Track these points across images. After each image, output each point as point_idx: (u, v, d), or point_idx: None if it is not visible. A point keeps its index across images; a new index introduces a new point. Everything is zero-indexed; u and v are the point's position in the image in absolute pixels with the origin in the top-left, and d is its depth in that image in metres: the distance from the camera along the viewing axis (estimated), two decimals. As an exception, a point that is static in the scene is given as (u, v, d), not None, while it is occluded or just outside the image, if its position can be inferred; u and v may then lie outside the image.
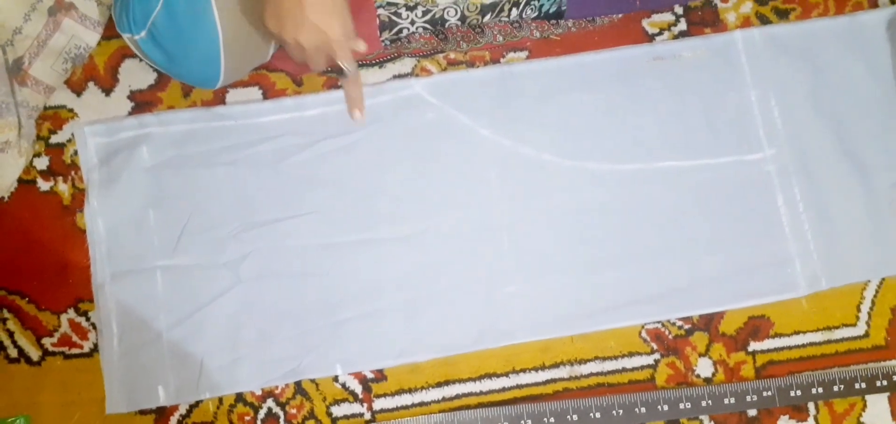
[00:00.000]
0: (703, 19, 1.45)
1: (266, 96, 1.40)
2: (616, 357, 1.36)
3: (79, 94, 1.39)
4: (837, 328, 1.38)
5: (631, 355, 1.36)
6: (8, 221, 1.36)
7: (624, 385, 1.36)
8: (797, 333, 1.37)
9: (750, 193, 1.40)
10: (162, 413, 1.33)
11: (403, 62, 1.42)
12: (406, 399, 1.35)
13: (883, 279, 1.39)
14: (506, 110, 1.40)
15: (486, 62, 1.43)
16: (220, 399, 1.33)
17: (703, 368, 1.36)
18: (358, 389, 1.34)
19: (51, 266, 1.35)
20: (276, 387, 1.34)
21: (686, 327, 1.37)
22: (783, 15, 1.46)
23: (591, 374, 1.36)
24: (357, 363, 1.34)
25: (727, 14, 1.46)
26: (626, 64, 1.43)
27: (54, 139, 1.38)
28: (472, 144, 1.39)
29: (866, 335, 1.38)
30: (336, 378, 1.34)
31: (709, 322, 1.37)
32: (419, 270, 1.36)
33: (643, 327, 1.37)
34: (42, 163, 1.38)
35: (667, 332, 1.37)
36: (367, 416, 1.34)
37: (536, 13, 1.40)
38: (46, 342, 1.34)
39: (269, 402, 1.33)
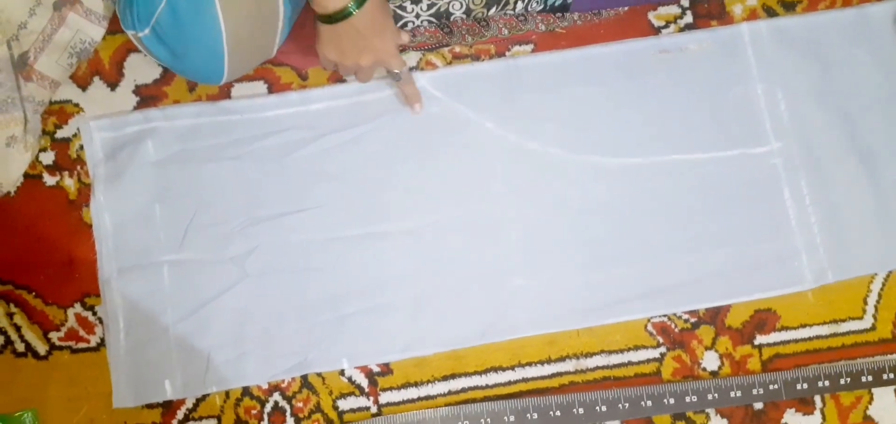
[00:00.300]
0: (710, 12, 1.45)
1: (271, 90, 1.40)
2: (622, 351, 1.36)
3: (84, 88, 1.39)
4: (844, 321, 1.38)
5: (637, 348, 1.36)
6: (14, 216, 1.36)
7: (630, 378, 1.36)
8: (803, 326, 1.37)
9: (756, 186, 1.39)
10: (169, 407, 1.33)
11: (408, 56, 1.41)
12: (412, 393, 1.35)
13: (889, 272, 1.39)
14: (511, 104, 1.40)
15: (492, 56, 1.43)
16: (227, 393, 1.33)
17: (710, 361, 1.36)
18: (364, 383, 1.34)
19: (57, 261, 1.35)
20: (283, 381, 1.34)
21: (692, 320, 1.37)
22: (790, 7, 1.45)
23: (597, 367, 1.36)
24: (363, 356, 1.34)
25: (733, 6, 1.45)
26: (632, 57, 1.43)
27: (60, 134, 1.38)
28: (477, 138, 1.39)
29: (873, 328, 1.38)
30: (342, 372, 1.34)
31: (715, 316, 1.37)
32: (425, 264, 1.36)
33: (649, 320, 1.37)
34: (48, 158, 1.38)
35: (673, 325, 1.37)
36: (374, 410, 1.34)
37: (542, 6, 1.40)
38: (53, 336, 1.34)
39: (276, 396, 1.34)
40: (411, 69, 1.40)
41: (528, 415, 1.32)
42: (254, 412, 1.33)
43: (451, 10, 1.37)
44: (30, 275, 1.35)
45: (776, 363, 1.36)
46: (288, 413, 1.33)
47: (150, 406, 1.33)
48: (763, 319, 1.37)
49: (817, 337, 1.37)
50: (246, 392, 1.34)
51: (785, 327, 1.37)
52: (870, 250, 1.39)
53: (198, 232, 1.35)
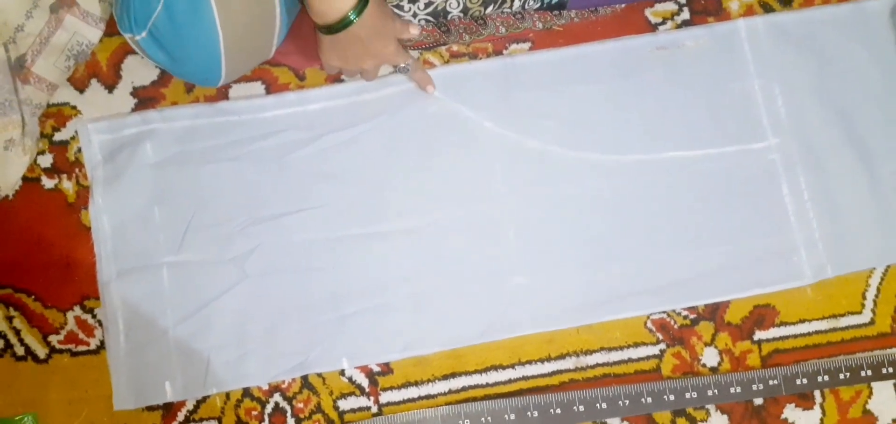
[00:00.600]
0: (706, 8, 1.45)
1: (269, 91, 1.40)
2: (622, 348, 1.36)
3: (82, 91, 1.39)
4: (843, 316, 1.38)
5: (636, 345, 1.37)
6: (13, 219, 1.36)
7: (630, 375, 1.36)
8: (803, 321, 1.37)
9: (754, 182, 1.39)
10: (169, 409, 1.33)
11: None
12: (412, 392, 1.35)
13: (888, 267, 1.39)
14: (509, 102, 1.40)
15: (489, 54, 1.43)
16: (228, 395, 1.33)
17: (709, 357, 1.36)
18: (364, 382, 1.34)
19: (56, 264, 1.35)
20: (283, 382, 1.34)
21: (691, 317, 1.37)
22: (786, 2, 1.45)
23: (597, 365, 1.36)
24: (363, 356, 1.34)
25: (730, 3, 1.45)
26: (630, 54, 1.43)
27: (58, 137, 1.38)
28: (476, 137, 1.39)
29: (872, 322, 1.38)
30: (342, 372, 1.35)
31: (714, 312, 1.37)
32: (425, 263, 1.36)
33: (649, 317, 1.37)
34: (46, 161, 1.38)
35: (672, 322, 1.37)
36: (374, 409, 1.34)
37: (539, 4, 1.40)
38: (53, 339, 1.34)
39: (276, 396, 1.34)
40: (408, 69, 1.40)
41: (529, 413, 1.32)
42: (254, 413, 1.33)
43: (448, 8, 1.37)
44: (29, 278, 1.35)
45: (775, 359, 1.37)
46: (288, 414, 1.33)
47: (150, 409, 1.33)
48: (762, 314, 1.37)
49: (816, 332, 1.37)
50: (246, 393, 1.34)
51: (784, 322, 1.37)
52: (868, 245, 1.39)
53: (197, 233, 1.35)
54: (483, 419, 1.31)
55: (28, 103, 1.33)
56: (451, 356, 1.35)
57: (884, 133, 1.41)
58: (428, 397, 1.35)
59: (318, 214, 1.36)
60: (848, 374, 1.34)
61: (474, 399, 1.34)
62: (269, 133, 1.38)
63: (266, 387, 1.34)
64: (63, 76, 1.37)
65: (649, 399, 1.33)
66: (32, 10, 1.30)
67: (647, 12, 1.45)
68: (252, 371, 1.33)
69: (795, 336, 1.37)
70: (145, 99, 1.39)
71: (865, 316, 1.38)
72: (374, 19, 1.21)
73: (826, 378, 1.34)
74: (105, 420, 1.33)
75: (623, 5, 1.44)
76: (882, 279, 1.39)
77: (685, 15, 1.45)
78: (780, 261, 1.38)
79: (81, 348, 1.34)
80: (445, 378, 1.35)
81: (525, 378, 1.35)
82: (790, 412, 1.35)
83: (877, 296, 1.38)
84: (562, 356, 1.36)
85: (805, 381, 1.34)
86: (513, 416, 1.31)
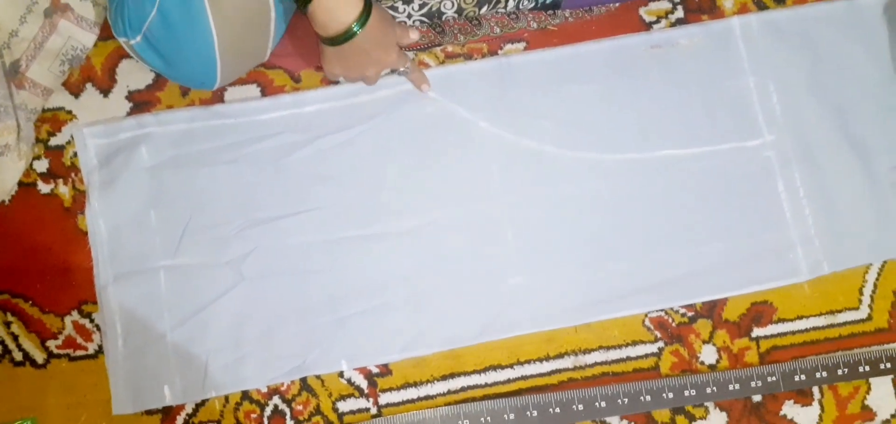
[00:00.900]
0: (700, 6, 1.45)
1: (264, 93, 1.40)
2: (620, 346, 1.36)
3: (77, 95, 1.39)
4: (840, 311, 1.38)
5: (635, 344, 1.37)
6: (9, 224, 1.36)
7: (628, 373, 1.36)
8: (800, 318, 1.38)
9: (750, 179, 1.40)
10: (168, 413, 1.33)
11: (401, 55, 1.42)
12: (412, 393, 1.35)
13: (885, 262, 1.40)
14: (504, 102, 1.40)
15: (484, 54, 1.43)
16: (227, 398, 1.33)
17: (708, 355, 1.37)
18: (363, 384, 1.34)
19: (53, 269, 1.35)
20: (282, 384, 1.34)
21: (689, 314, 1.37)
22: (780, 0, 1.46)
23: (596, 364, 1.36)
24: (362, 358, 1.34)
25: (724, 0, 1.45)
26: (624, 53, 1.43)
27: (53, 142, 1.38)
28: (472, 137, 1.39)
29: (869, 318, 1.38)
30: (341, 374, 1.34)
31: (712, 309, 1.37)
32: (422, 264, 1.36)
33: (646, 315, 1.37)
34: (42, 166, 1.37)
35: (670, 320, 1.37)
36: (373, 411, 1.34)
37: (533, 4, 1.40)
38: (51, 344, 1.34)
39: (275, 399, 1.34)
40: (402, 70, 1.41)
41: (528, 413, 1.32)
42: (253, 416, 1.33)
43: (442, 9, 1.37)
44: (26, 284, 1.35)
45: (774, 356, 1.37)
46: (288, 416, 1.33)
47: (149, 413, 1.33)
48: (760, 311, 1.37)
49: (814, 329, 1.37)
50: (245, 396, 1.33)
51: (782, 319, 1.38)
52: (864, 241, 1.39)
53: (194, 237, 1.35)
54: (482, 419, 1.31)
55: (23, 108, 1.33)
56: (449, 356, 1.35)
57: (879, 129, 1.42)
58: (427, 398, 1.35)
59: (315, 216, 1.36)
60: (846, 370, 1.34)
61: (473, 400, 1.34)
62: (265, 136, 1.38)
63: (265, 390, 1.34)
64: (58, 81, 1.37)
65: (648, 398, 1.33)
66: (26, 16, 1.30)
67: (642, 11, 1.45)
68: (250, 373, 1.33)
69: (793, 333, 1.37)
70: (140, 103, 1.39)
71: (862, 312, 1.38)
72: (377, 29, 1.22)
73: (824, 374, 1.34)
74: (103, 425, 1.33)
75: (617, 4, 1.44)
76: (879, 274, 1.39)
77: (679, 13, 1.45)
78: (777, 258, 1.38)
79: (79, 352, 1.34)
80: (444, 378, 1.35)
81: (524, 378, 1.35)
82: (789, 408, 1.35)
83: (874, 292, 1.39)
84: (560, 356, 1.36)
85: (803, 377, 1.34)
86: (512, 416, 1.31)
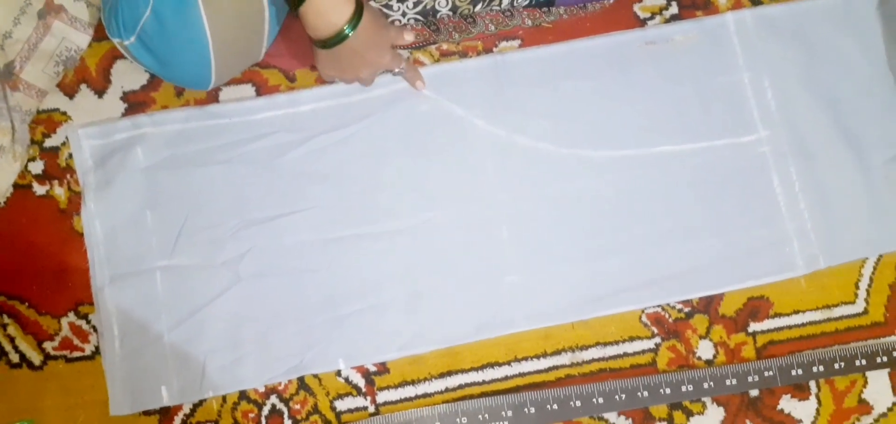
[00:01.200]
0: (695, 2, 1.45)
1: (259, 93, 1.40)
2: (617, 342, 1.36)
3: (71, 96, 1.39)
4: (836, 306, 1.38)
5: (632, 339, 1.37)
6: (5, 226, 1.36)
7: (626, 369, 1.36)
8: (797, 312, 1.38)
9: (746, 175, 1.40)
10: (166, 414, 1.33)
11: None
12: (409, 391, 1.35)
13: (880, 256, 1.40)
14: (500, 100, 1.40)
15: (479, 52, 1.43)
16: (224, 398, 1.33)
17: (705, 350, 1.37)
18: (361, 382, 1.34)
19: (50, 270, 1.35)
20: (280, 384, 1.34)
21: (686, 310, 1.37)
22: (774, -5, 1.46)
23: (593, 360, 1.36)
24: (359, 356, 1.34)
25: (718, -4, 1.46)
26: (619, 49, 1.43)
27: (48, 143, 1.38)
28: (467, 135, 1.39)
29: (865, 312, 1.38)
30: (339, 373, 1.34)
31: (708, 305, 1.38)
32: (419, 262, 1.36)
33: (643, 311, 1.37)
34: (37, 167, 1.37)
35: (667, 316, 1.37)
36: (371, 409, 1.34)
37: (527, 1, 1.40)
38: (48, 346, 1.34)
39: (273, 399, 1.33)
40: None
41: (526, 410, 1.32)
42: (251, 415, 1.33)
43: (437, 7, 1.37)
44: (22, 285, 1.35)
45: (770, 350, 1.37)
46: (285, 416, 1.33)
47: (147, 413, 1.32)
48: (756, 306, 1.38)
49: (811, 323, 1.38)
50: (243, 395, 1.33)
51: (778, 314, 1.38)
52: (860, 235, 1.39)
53: (190, 237, 1.35)
54: (480, 416, 1.31)
55: (17, 110, 1.33)
56: (447, 354, 1.35)
57: (873, 123, 1.42)
58: (425, 395, 1.35)
59: (310, 215, 1.36)
60: (843, 364, 1.34)
61: (471, 397, 1.34)
62: (261, 135, 1.38)
63: (262, 390, 1.33)
64: (52, 82, 1.37)
65: (646, 393, 1.33)
66: (20, 17, 1.30)
67: (636, 7, 1.45)
68: (248, 373, 1.33)
69: (790, 327, 1.37)
70: (135, 104, 1.39)
71: (859, 306, 1.38)
72: (369, 31, 1.22)
73: (821, 368, 1.34)
74: (101, 426, 1.33)
75: (611, 1, 1.44)
76: (874, 268, 1.40)
77: (673, 9, 1.45)
78: (773, 253, 1.38)
79: (76, 354, 1.34)
80: (442, 376, 1.35)
81: (521, 375, 1.35)
82: (786, 403, 1.35)
83: (869, 286, 1.39)
84: (558, 352, 1.36)
85: (800, 372, 1.34)
86: (510, 413, 1.31)
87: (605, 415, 1.34)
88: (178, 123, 1.38)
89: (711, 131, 1.41)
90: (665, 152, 1.40)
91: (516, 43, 1.43)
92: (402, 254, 1.36)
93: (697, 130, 1.41)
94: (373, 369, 1.35)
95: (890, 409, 1.36)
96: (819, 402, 1.36)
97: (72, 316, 1.34)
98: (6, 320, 1.34)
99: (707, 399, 1.35)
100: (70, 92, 1.39)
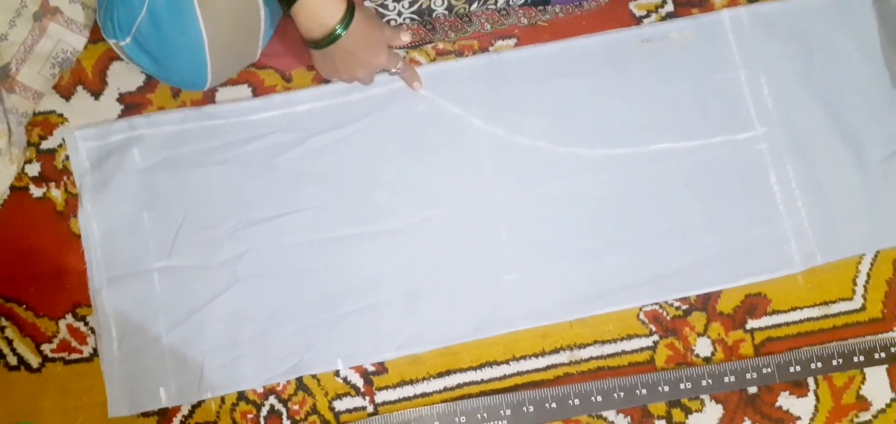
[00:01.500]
0: (690, 0, 1.45)
1: (256, 94, 1.40)
2: (615, 341, 1.36)
3: (68, 98, 1.39)
4: (834, 302, 1.38)
5: (630, 337, 1.37)
6: (2, 229, 1.35)
7: (624, 367, 1.36)
8: (794, 309, 1.38)
9: (742, 172, 1.40)
10: (164, 415, 1.32)
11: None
12: (408, 391, 1.35)
13: (878, 252, 1.40)
14: (496, 99, 1.40)
15: (475, 51, 1.43)
16: (223, 399, 1.33)
17: (702, 347, 1.37)
18: (359, 382, 1.34)
19: (47, 272, 1.35)
20: (278, 384, 1.33)
21: (683, 307, 1.37)
22: (769, -8, 1.47)
23: (591, 358, 1.36)
24: (358, 356, 1.34)
25: (714, -7, 1.46)
26: (615, 47, 1.43)
27: (45, 145, 1.38)
28: (464, 134, 1.39)
29: (863, 308, 1.38)
30: (337, 373, 1.34)
31: (706, 302, 1.38)
32: (417, 261, 1.36)
33: (641, 309, 1.37)
34: (33, 169, 1.37)
35: (665, 313, 1.37)
36: (370, 409, 1.34)
37: (523, 0, 1.40)
38: (46, 348, 1.34)
39: (272, 399, 1.33)
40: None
41: (524, 408, 1.32)
42: (250, 416, 1.33)
43: (433, 6, 1.37)
44: (20, 288, 1.35)
45: (768, 347, 1.37)
46: (284, 416, 1.33)
47: (145, 415, 1.32)
48: (754, 303, 1.38)
49: (808, 320, 1.38)
50: (241, 396, 1.33)
51: (776, 311, 1.38)
52: (857, 231, 1.39)
53: (187, 238, 1.35)
54: (479, 415, 1.31)
55: (14, 112, 1.32)
56: (445, 353, 1.35)
57: (870, 120, 1.42)
58: (423, 395, 1.35)
59: (308, 215, 1.36)
60: (841, 360, 1.35)
61: (470, 396, 1.34)
62: (257, 136, 1.38)
63: (261, 390, 1.33)
64: (48, 84, 1.37)
65: (644, 391, 1.33)
66: (15, 19, 1.30)
67: (632, 5, 1.46)
68: (246, 374, 1.32)
69: (788, 324, 1.38)
70: (132, 105, 1.39)
71: (856, 302, 1.39)
72: (362, 31, 1.23)
73: (819, 364, 1.34)
74: (100, 428, 1.33)
75: (607, -1, 1.45)
76: (872, 264, 1.40)
77: (669, 7, 1.45)
78: (770, 250, 1.38)
79: (74, 356, 1.34)
80: (440, 375, 1.35)
81: (520, 374, 1.35)
82: (784, 399, 1.35)
83: (867, 282, 1.39)
84: (556, 351, 1.36)
85: (798, 368, 1.34)
86: (508, 411, 1.31)
87: (604, 413, 1.34)
88: (174, 124, 1.38)
89: (708, 129, 1.41)
90: (662, 150, 1.40)
91: (512, 42, 1.43)
92: (400, 253, 1.36)
93: (694, 128, 1.41)
94: (371, 369, 1.35)
95: (888, 405, 1.36)
96: (817, 399, 1.36)
97: (70, 318, 1.34)
98: (4, 322, 1.34)
99: (705, 397, 1.35)
100: (66, 94, 1.39)
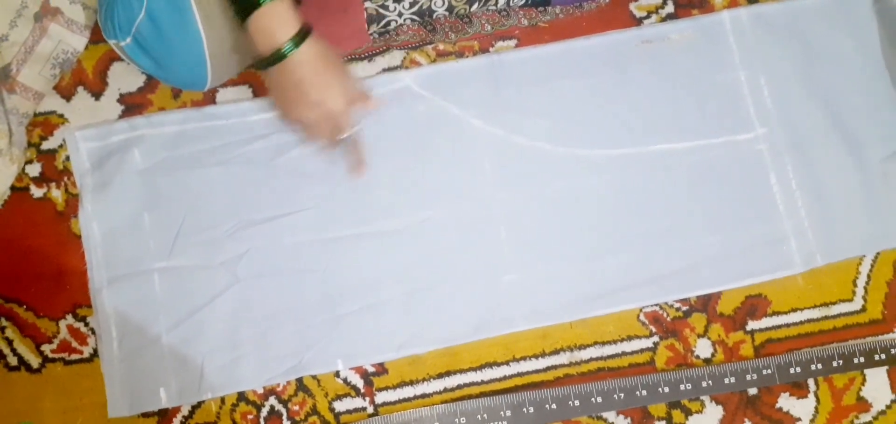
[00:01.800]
0: (690, 1, 1.46)
1: (256, 94, 1.40)
2: (615, 342, 1.36)
3: (68, 99, 1.39)
4: (834, 303, 1.38)
5: (630, 338, 1.37)
6: (2, 229, 1.36)
7: (624, 368, 1.36)
8: (794, 310, 1.38)
9: (743, 173, 1.40)
10: (164, 415, 1.33)
11: (392, 55, 1.42)
12: (408, 392, 1.35)
13: (878, 253, 1.40)
14: (496, 99, 1.40)
15: (475, 52, 1.43)
16: (223, 399, 1.33)
17: (703, 349, 1.37)
18: (359, 383, 1.34)
19: (47, 273, 1.35)
20: (278, 385, 1.34)
21: (684, 308, 1.37)
22: (769, -7, 1.47)
23: (592, 359, 1.36)
24: (358, 357, 1.34)
25: (714, -6, 1.46)
26: (615, 48, 1.43)
27: (46, 145, 1.38)
28: (464, 135, 1.39)
29: (863, 309, 1.38)
30: (337, 374, 1.34)
31: (706, 303, 1.38)
32: (417, 262, 1.36)
33: (641, 310, 1.37)
34: (34, 170, 1.37)
35: (665, 314, 1.37)
36: (370, 410, 1.34)
37: (524, 1, 1.40)
38: (46, 348, 1.34)
39: (272, 400, 1.33)
40: (395, 69, 1.41)
41: (524, 409, 1.32)
42: (250, 417, 1.33)
43: (433, 7, 1.37)
44: (20, 288, 1.35)
45: (769, 348, 1.37)
46: (284, 417, 1.33)
47: (145, 415, 1.32)
48: (754, 304, 1.38)
49: (809, 321, 1.38)
50: (242, 397, 1.33)
51: (776, 312, 1.38)
52: (857, 232, 1.39)
53: (187, 238, 1.35)
54: (479, 416, 1.31)
55: (14, 113, 1.33)
56: (445, 354, 1.35)
57: (870, 121, 1.42)
58: (423, 396, 1.35)
59: (308, 215, 1.36)
60: (841, 361, 1.34)
61: (470, 397, 1.34)
62: (258, 136, 1.38)
63: (261, 391, 1.33)
64: (49, 85, 1.37)
65: (644, 392, 1.33)
66: (16, 20, 1.30)
67: (632, 6, 1.46)
68: (246, 374, 1.33)
69: (788, 325, 1.38)
70: (132, 105, 1.39)
71: (856, 304, 1.39)
72: (314, 63, 1.17)
73: (819, 366, 1.34)
74: (100, 429, 1.33)
75: (607, 0, 1.44)
76: (872, 266, 1.40)
77: (669, 8, 1.45)
78: (771, 251, 1.38)
79: (75, 356, 1.34)
80: (440, 376, 1.35)
81: (520, 375, 1.35)
82: (784, 401, 1.35)
83: (867, 283, 1.39)
84: (556, 352, 1.36)
85: (798, 370, 1.34)
86: (509, 412, 1.31)
87: (604, 414, 1.34)
88: (175, 124, 1.38)
89: (708, 130, 1.41)
90: (662, 151, 1.40)
91: (512, 43, 1.43)
92: (400, 254, 1.36)
93: (694, 129, 1.41)
94: (371, 369, 1.35)
95: (889, 407, 1.36)
96: (817, 400, 1.36)
97: (70, 318, 1.34)
98: (4, 323, 1.34)
99: (705, 398, 1.35)
100: (67, 94, 1.39)
